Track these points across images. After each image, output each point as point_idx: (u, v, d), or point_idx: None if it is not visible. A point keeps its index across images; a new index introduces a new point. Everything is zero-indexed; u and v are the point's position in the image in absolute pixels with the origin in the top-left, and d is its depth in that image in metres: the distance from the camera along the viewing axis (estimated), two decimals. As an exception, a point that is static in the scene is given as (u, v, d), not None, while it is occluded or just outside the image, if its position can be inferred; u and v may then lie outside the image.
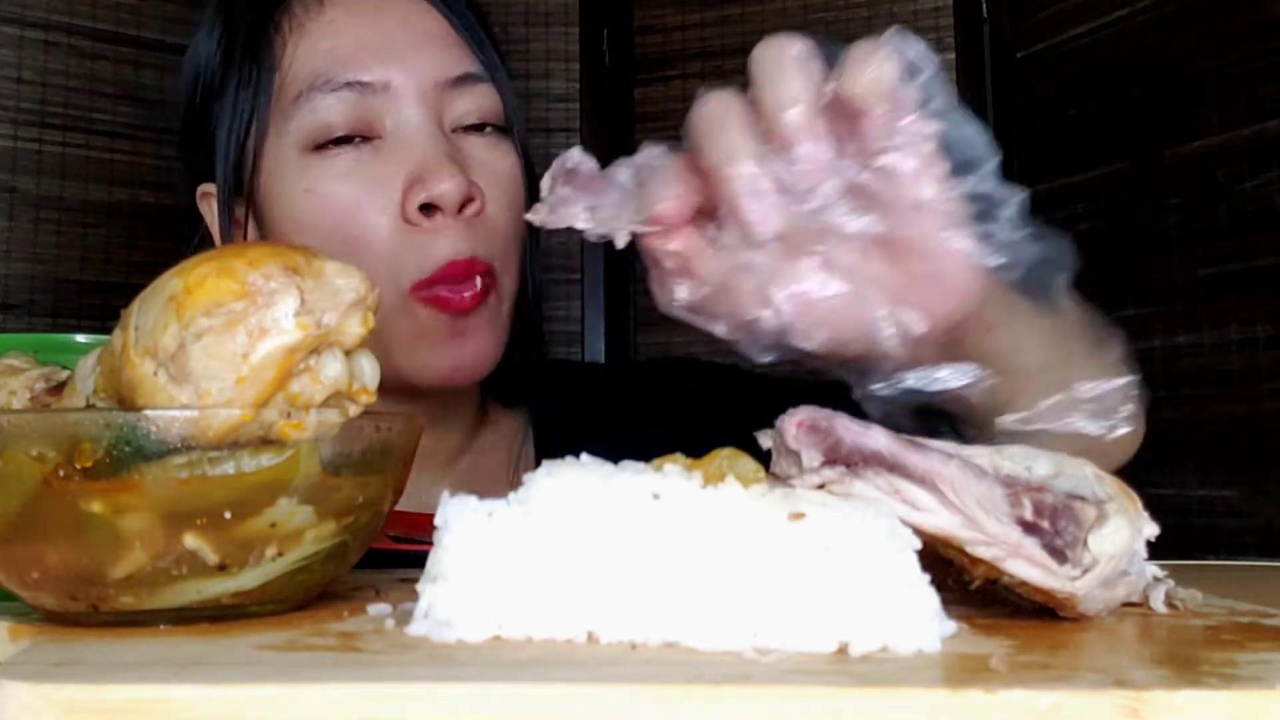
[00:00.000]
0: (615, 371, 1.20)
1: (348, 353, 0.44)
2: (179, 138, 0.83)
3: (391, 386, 0.64)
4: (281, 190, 0.73)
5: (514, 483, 0.92)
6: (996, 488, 0.41)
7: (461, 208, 0.71)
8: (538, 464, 0.89)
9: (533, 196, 0.79)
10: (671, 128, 1.74)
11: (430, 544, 0.41)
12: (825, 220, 0.46)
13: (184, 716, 0.31)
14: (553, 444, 0.84)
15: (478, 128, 0.75)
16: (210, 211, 0.79)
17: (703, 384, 0.92)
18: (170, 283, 0.42)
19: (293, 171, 0.73)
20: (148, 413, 0.40)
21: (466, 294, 0.71)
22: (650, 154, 0.51)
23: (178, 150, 0.85)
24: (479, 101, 0.75)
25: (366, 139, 0.72)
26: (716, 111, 0.48)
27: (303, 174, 0.72)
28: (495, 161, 0.75)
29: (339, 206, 0.71)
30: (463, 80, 0.74)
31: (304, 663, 0.35)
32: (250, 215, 0.76)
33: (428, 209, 0.71)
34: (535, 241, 0.81)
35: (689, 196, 0.49)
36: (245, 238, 0.77)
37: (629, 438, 0.88)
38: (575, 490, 0.40)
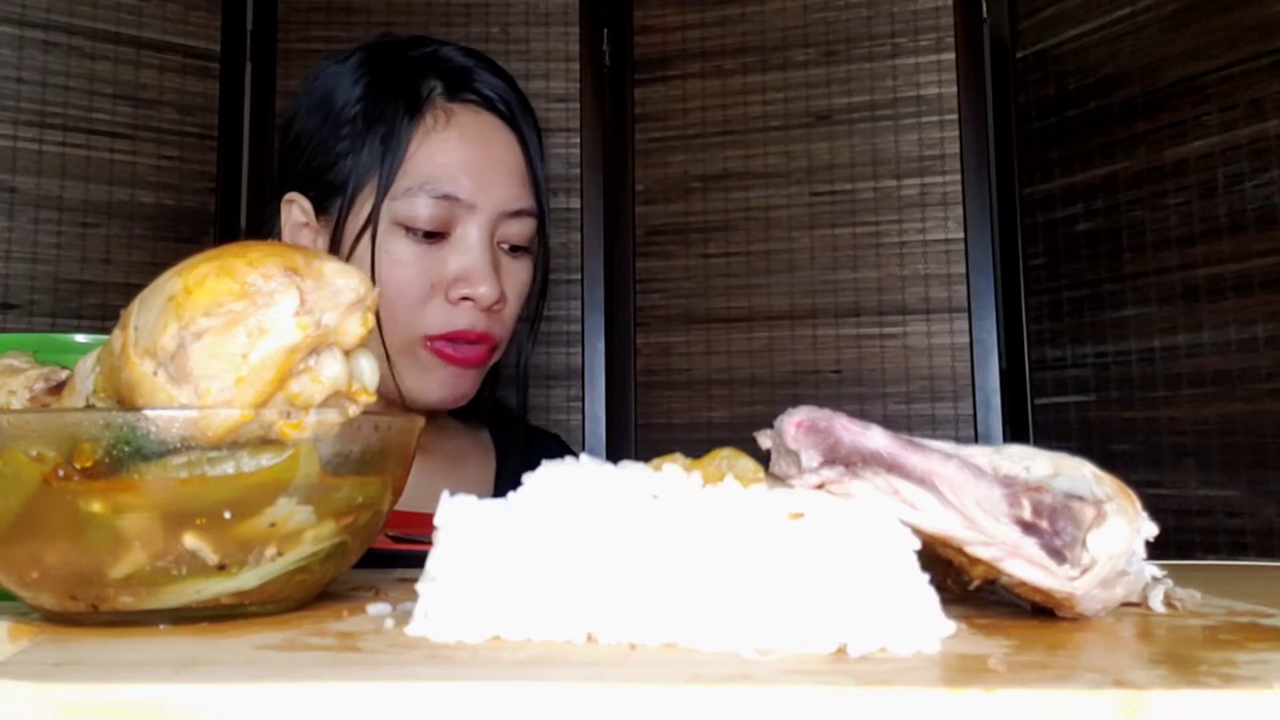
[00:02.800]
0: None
1: (347, 353, 0.44)
2: (283, 148, 1.04)
3: (384, 394, 0.94)
4: (366, 240, 0.95)
5: (469, 474, 1.03)
6: (995, 488, 0.41)
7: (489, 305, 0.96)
8: (499, 474, 0.96)
9: (540, 294, 1.05)
10: (672, 128, 1.77)
11: (429, 543, 0.41)
12: None
13: (183, 716, 0.31)
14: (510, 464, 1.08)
15: (515, 248, 0.99)
16: (287, 214, 1.00)
17: None
18: (170, 282, 0.42)
19: (383, 235, 0.95)
20: (147, 413, 0.40)
21: (471, 356, 0.95)
22: None
23: (280, 152, 1.05)
24: (522, 230, 0.99)
25: (441, 234, 0.95)
26: None
27: (388, 240, 0.95)
28: (519, 274, 0.99)
29: (401, 273, 0.94)
30: (518, 214, 0.98)
31: (303, 662, 0.35)
32: (338, 247, 0.97)
33: (466, 298, 0.94)
34: (539, 317, 1.06)
35: None
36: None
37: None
38: (575, 490, 0.40)
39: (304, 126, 1.00)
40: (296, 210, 0.99)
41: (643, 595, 0.38)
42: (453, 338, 0.94)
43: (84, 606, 0.42)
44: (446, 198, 0.94)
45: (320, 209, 0.98)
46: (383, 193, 0.94)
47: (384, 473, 0.46)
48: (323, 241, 0.97)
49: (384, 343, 0.92)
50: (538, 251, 1.02)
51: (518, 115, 1.00)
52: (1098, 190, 1.52)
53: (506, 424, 1.12)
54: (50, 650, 0.37)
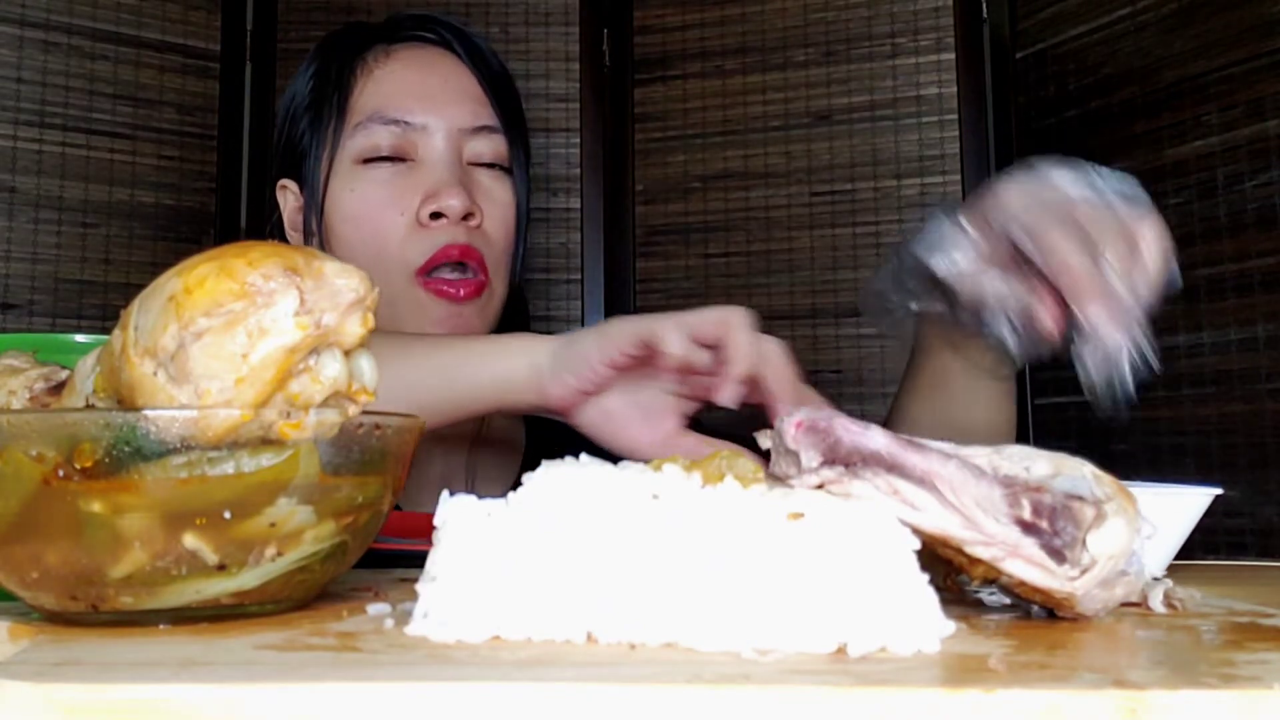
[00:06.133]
0: None
1: (347, 353, 0.44)
2: (273, 144, 1.06)
3: None
4: (335, 187, 0.96)
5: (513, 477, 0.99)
6: (995, 488, 0.41)
7: (464, 219, 0.92)
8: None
9: (522, 227, 1.01)
10: (672, 128, 1.76)
11: (428, 544, 0.41)
12: None
13: (183, 716, 0.31)
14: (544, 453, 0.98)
15: (488, 165, 0.97)
16: (284, 200, 1.02)
17: None
18: (170, 283, 0.42)
19: (346, 175, 0.95)
20: (147, 413, 0.40)
21: (463, 290, 0.92)
22: None
23: (270, 154, 1.08)
24: (491, 146, 0.97)
25: (402, 159, 0.95)
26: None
27: (351, 178, 0.95)
28: (496, 191, 0.97)
29: (371, 205, 0.94)
30: (481, 129, 0.97)
31: (303, 663, 0.35)
32: (316, 205, 0.97)
33: (436, 216, 0.92)
34: (521, 254, 1.02)
35: None
36: (310, 222, 0.98)
37: None
38: (575, 490, 0.40)
39: (279, 131, 1.03)
40: (291, 196, 1.01)
41: (643, 595, 0.38)
42: (436, 261, 0.91)
43: (84, 606, 0.42)
44: (396, 123, 0.94)
45: (303, 185, 0.99)
46: (338, 126, 0.95)
47: (384, 473, 0.46)
48: (316, 223, 0.99)
49: (383, 293, 0.90)
50: (519, 174, 1.00)
51: (463, 42, 1.00)
52: (1098, 190, 1.51)
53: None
54: (50, 650, 0.37)
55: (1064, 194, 0.67)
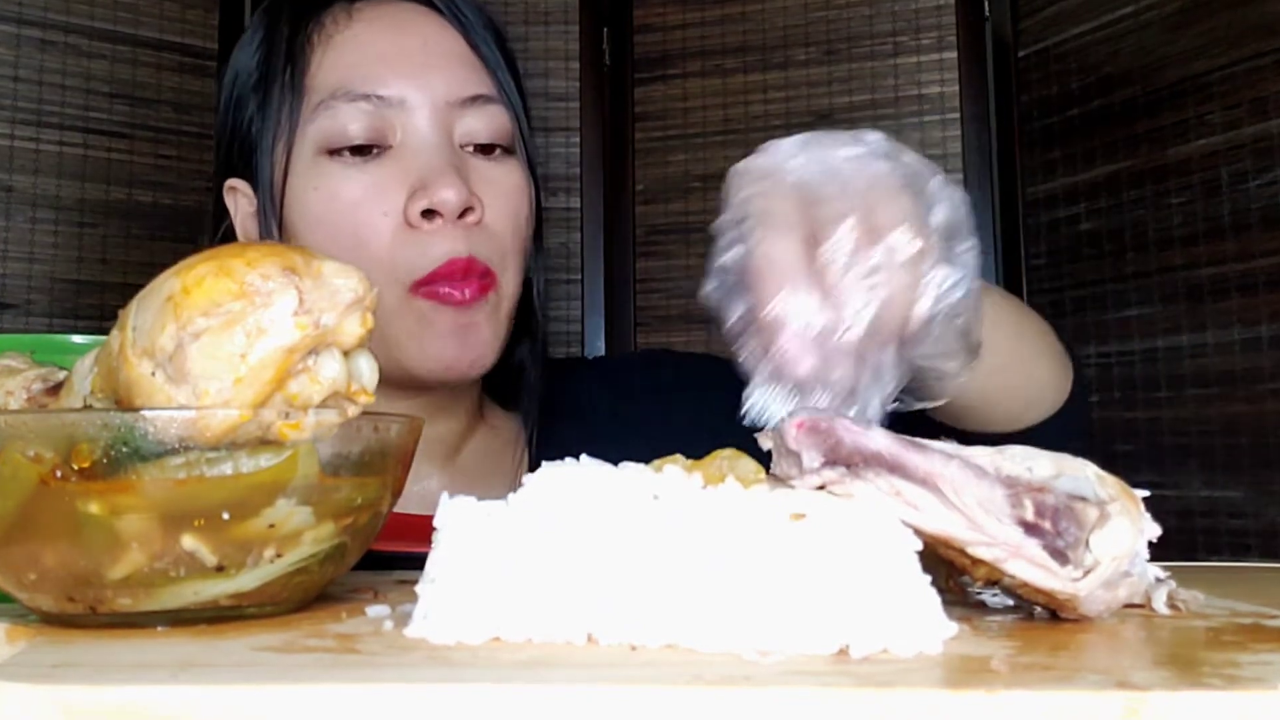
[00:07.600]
0: (602, 364, 1.17)
1: (346, 353, 0.43)
2: (217, 135, 0.88)
3: (394, 380, 0.75)
4: (294, 186, 0.78)
5: (514, 485, 0.94)
6: (997, 488, 0.41)
7: (461, 215, 0.76)
8: (533, 467, 0.92)
9: (538, 213, 0.84)
10: (672, 127, 1.75)
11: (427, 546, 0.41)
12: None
13: (181, 717, 0.31)
14: (543, 440, 0.90)
15: (486, 147, 0.79)
16: (234, 204, 0.84)
17: (683, 373, 0.96)
18: (168, 283, 0.42)
19: (306, 170, 0.77)
20: (145, 413, 0.40)
21: (468, 291, 0.75)
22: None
23: (215, 146, 0.90)
24: (489, 121, 0.79)
25: (379, 148, 0.76)
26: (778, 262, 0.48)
27: (314, 173, 0.77)
28: (500, 179, 0.79)
29: (344, 206, 0.76)
30: (474, 100, 0.79)
31: (302, 664, 0.35)
32: (273, 210, 0.80)
33: (429, 214, 0.75)
34: (539, 250, 0.87)
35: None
36: (267, 230, 0.80)
37: (619, 430, 0.86)
38: (575, 491, 0.40)
39: (223, 119, 0.85)
40: (242, 200, 0.83)
41: (643, 596, 0.37)
42: (439, 276, 0.74)
43: (82, 608, 0.42)
44: (366, 99, 0.75)
45: (256, 185, 0.81)
46: (294, 108, 0.77)
47: (383, 474, 0.45)
48: (275, 228, 0.81)
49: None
50: (524, 153, 0.83)
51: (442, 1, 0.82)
52: (1100, 189, 1.52)
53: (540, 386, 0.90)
54: (48, 652, 0.37)
55: (789, 175, 0.49)
